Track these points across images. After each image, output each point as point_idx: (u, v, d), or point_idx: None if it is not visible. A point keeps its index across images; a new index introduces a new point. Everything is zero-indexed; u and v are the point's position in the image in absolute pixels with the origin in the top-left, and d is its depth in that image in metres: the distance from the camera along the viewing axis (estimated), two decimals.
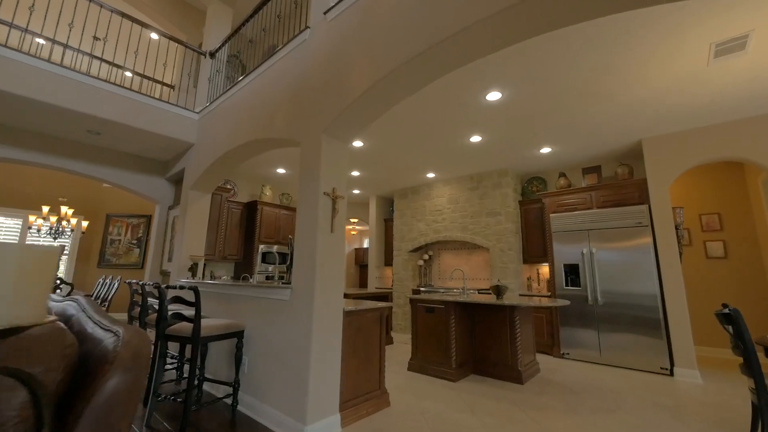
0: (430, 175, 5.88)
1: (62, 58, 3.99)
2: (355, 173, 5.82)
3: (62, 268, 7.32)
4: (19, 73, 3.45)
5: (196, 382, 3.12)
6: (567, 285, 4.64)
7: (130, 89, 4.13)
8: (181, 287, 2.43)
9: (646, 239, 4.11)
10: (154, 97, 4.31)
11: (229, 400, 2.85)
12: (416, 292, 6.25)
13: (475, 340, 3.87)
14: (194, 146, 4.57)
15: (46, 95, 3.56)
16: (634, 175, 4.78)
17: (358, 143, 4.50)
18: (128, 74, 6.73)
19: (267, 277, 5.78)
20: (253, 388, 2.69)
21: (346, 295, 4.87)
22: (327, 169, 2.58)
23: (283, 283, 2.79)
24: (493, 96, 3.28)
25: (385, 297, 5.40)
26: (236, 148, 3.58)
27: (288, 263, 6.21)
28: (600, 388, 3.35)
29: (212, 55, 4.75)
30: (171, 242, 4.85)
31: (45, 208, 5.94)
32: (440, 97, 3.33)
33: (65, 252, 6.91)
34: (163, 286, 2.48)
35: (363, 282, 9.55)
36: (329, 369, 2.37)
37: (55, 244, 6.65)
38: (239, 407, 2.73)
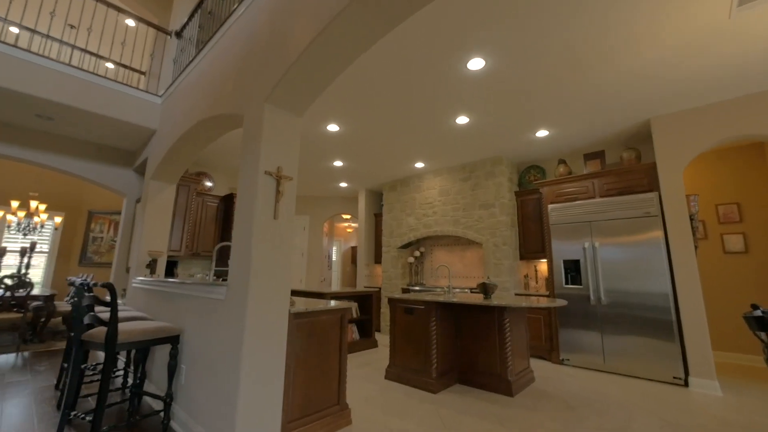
0: (419, 165, 5.44)
1: (16, 40, 3.65)
2: (338, 163, 5.41)
3: (42, 266, 7.03)
4: None
5: (128, 394, 2.74)
6: (567, 283, 4.18)
7: (81, 68, 3.77)
8: (94, 285, 2.05)
9: (655, 231, 3.63)
10: (111, 79, 3.95)
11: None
12: (406, 291, 5.83)
13: (461, 346, 3.43)
14: (156, 132, 4.21)
15: None
16: (642, 160, 4.29)
17: (333, 127, 4.10)
18: (106, 64, 6.42)
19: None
20: (188, 402, 2.30)
21: (319, 295, 4.47)
22: (271, 143, 2.18)
23: (222, 279, 2.39)
24: (476, 64, 2.84)
25: (369, 296, 4.98)
26: (189, 130, 3.20)
27: None
28: (603, 402, 2.89)
29: (178, 34, 4.39)
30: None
31: (14, 203, 5.63)
32: (418, 68, 2.90)
33: (38, 250, 6.61)
34: (95, 283, 2.10)
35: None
36: (267, 382, 1.96)
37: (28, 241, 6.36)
38: (173, 424, 2.34)
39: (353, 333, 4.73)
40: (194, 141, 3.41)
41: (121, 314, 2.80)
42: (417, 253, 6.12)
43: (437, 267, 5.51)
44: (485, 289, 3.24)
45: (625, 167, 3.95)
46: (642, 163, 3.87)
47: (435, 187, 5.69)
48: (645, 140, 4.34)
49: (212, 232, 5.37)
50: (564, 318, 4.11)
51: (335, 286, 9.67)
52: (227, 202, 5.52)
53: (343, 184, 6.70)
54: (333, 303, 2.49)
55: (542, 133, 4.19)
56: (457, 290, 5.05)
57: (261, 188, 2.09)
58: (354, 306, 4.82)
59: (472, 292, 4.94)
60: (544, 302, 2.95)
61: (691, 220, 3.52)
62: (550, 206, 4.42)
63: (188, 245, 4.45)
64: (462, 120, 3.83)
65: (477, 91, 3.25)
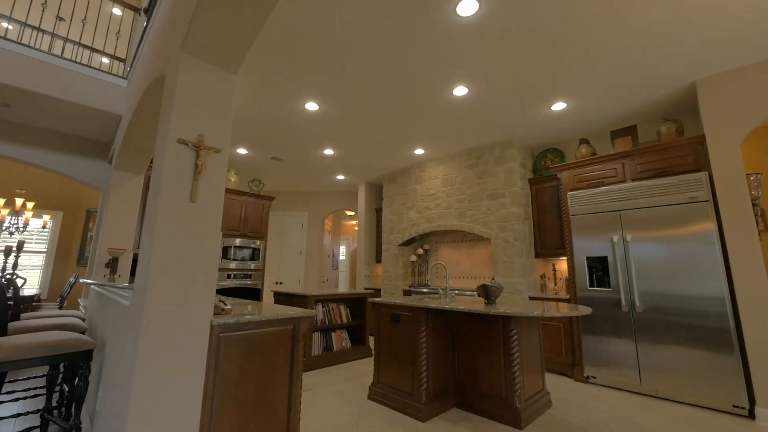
0: (419, 151, 4.86)
1: None
2: (329, 151, 4.90)
3: (41, 267, 6.89)
4: None
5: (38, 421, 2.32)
6: (592, 285, 3.49)
7: (38, 49, 3.43)
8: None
9: (704, 220, 2.91)
10: (70, 60, 3.59)
11: None
12: (407, 293, 5.25)
13: (459, 362, 2.83)
14: (123, 118, 3.83)
15: None
16: (685, 135, 3.55)
17: (312, 106, 3.58)
18: (94, 56, 6.18)
19: (229, 276, 4.99)
20: None
21: (302, 297, 3.95)
22: (187, 104, 1.67)
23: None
24: (467, 7, 2.24)
25: (362, 299, 4.44)
26: (137, 108, 2.76)
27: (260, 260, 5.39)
28: None
29: (146, 11, 3.99)
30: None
31: None
32: (396, 25, 2.33)
33: (34, 249, 6.45)
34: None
35: None
36: (170, 416, 1.45)
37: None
38: None
39: (343, 341, 4.21)
40: (145, 122, 2.97)
41: (52, 321, 2.39)
42: (420, 251, 5.53)
43: (434, 265, 4.91)
44: (486, 292, 2.64)
45: (664, 143, 3.22)
46: (686, 137, 3.14)
47: (438, 177, 5.08)
48: (688, 110, 3.59)
49: None
50: (589, 325, 3.43)
51: (342, 287, 9.20)
52: None
53: (341, 177, 6.20)
54: (292, 311, 1.97)
55: (559, 106, 3.52)
56: (460, 293, 4.43)
57: (171, 161, 1.59)
58: (343, 311, 4.29)
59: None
60: (564, 309, 2.33)
61: (754, 205, 2.79)
62: (570, 194, 3.74)
63: None
64: (460, 91, 3.23)
65: (473, 47, 2.64)
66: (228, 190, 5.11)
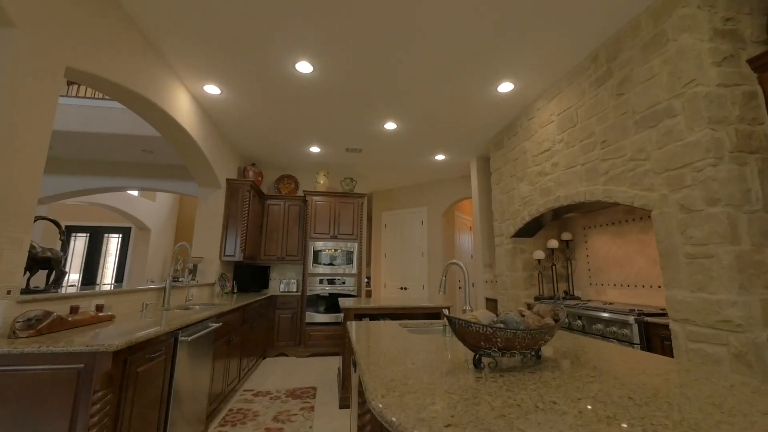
0: (507, 85, 3.10)
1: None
2: (390, 125, 3.90)
3: None
4: (70, 113, 4.20)
5: None
6: None
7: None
8: None
9: None
10: None
11: None
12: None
13: None
14: None
15: (98, 126, 4.19)
16: None
17: (305, 68, 2.79)
18: None
19: (322, 281, 4.76)
20: None
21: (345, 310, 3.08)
22: None
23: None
24: None
25: (435, 315, 3.14)
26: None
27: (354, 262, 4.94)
28: None
29: None
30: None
31: None
32: None
33: None
34: None
35: None
36: None
37: None
38: None
39: None
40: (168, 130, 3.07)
41: None
42: (553, 243, 3.54)
43: (588, 264, 2.92)
44: (463, 335, 1.04)
45: None
46: None
47: (551, 119, 3.09)
48: None
49: (294, 234, 5.09)
50: None
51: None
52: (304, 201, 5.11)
53: (440, 157, 4.95)
54: (78, 343, 1.31)
55: None
56: (614, 318, 2.35)
57: None
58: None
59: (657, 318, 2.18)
60: None
61: None
62: None
63: (243, 249, 4.27)
64: None
65: None
66: (312, 192, 4.97)
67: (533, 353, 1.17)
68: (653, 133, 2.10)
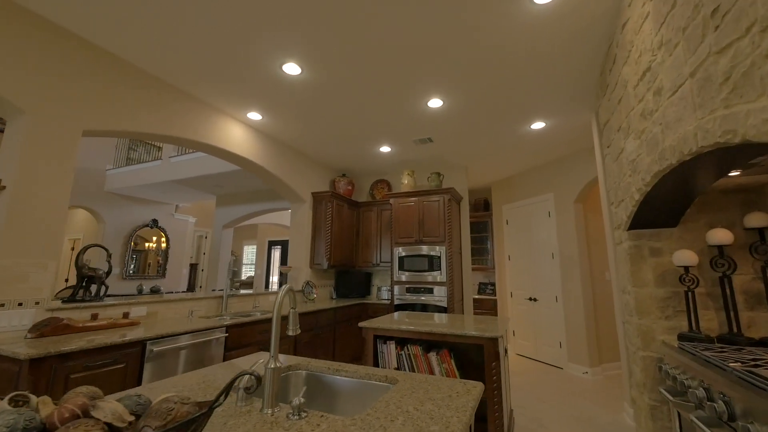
0: None
1: None
2: (436, 102, 3.14)
3: None
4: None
5: None
6: None
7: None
8: None
9: None
10: None
11: None
12: (687, 355, 1.97)
13: None
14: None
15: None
16: None
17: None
18: None
19: (408, 290, 4.36)
20: None
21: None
22: None
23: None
24: None
25: (479, 347, 2.24)
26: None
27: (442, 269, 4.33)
28: None
29: None
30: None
31: None
32: None
33: None
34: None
35: None
36: None
37: None
38: None
39: None
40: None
41: None
42: (723, 236, 1.89)
43: None
44: None
45: None
46: None
47: (646, 8, 1.66)
48: None
49: (376, 241, 4.93)
50: None
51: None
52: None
53: (538, 125, 3.63)
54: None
55: None
56: None
57: None
58: (435, 361, 2.39)
59: None
60: None
61: None
62: None
63: (328, 257, 4.41)
64: None
65: None
66: (392, 194, 4.64)
67: None
68: None
